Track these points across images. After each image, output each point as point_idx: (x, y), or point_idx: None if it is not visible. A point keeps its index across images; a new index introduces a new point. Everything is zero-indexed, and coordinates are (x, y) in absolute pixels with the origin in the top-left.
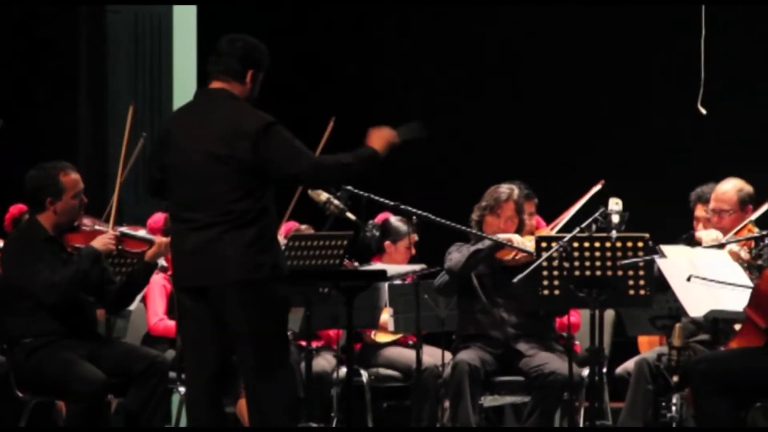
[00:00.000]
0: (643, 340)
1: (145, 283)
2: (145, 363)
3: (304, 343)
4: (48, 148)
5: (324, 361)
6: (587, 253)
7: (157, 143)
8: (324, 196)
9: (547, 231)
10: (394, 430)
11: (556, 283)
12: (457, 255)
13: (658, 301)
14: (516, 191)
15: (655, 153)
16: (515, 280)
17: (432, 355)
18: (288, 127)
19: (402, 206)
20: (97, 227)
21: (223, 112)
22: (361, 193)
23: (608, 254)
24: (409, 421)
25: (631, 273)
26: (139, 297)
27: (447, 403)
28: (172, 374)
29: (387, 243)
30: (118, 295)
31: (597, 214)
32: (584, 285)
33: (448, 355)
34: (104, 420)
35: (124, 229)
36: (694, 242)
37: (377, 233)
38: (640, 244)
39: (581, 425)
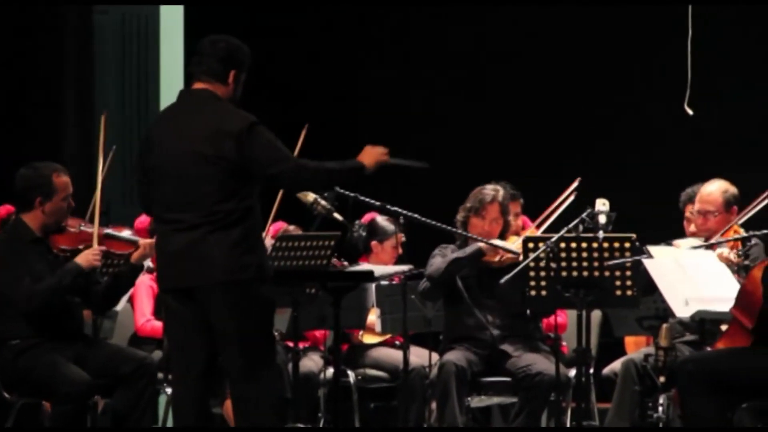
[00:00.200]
0: (629, 341)
1: (131, 285)
2: (133, 364)
3: (291, 344)
4: (34, 148)
5: (311, 362)
6: (574, 254)
7: (140, 148)
8: (311, 196)
9: (533, 231)
10: (381, 430)
11: (543, 283)
12: (438, 260)
13: (645, 301)
14: (501, 192)
15: (643, 153)
16: (502, 281)
17: (419, 356)
18: (273, 128)
19: (389, 206)
20: (83, 228)
21: (206, 113)
22: (348, 193)
23: (595, 255)
24: (396, 422)
25: (618, 273)
26: (125, 297)
27: (434, 404)
28: (159, 375)
29: (374, 243)
30: (103, 296)
31: (584, 215)
32: (571, 285)
33: (435, 356)
34: (87, 421)
35: (110, 231)
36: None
37: (364, 233)
38: (627, 245)
39: (568, 426)
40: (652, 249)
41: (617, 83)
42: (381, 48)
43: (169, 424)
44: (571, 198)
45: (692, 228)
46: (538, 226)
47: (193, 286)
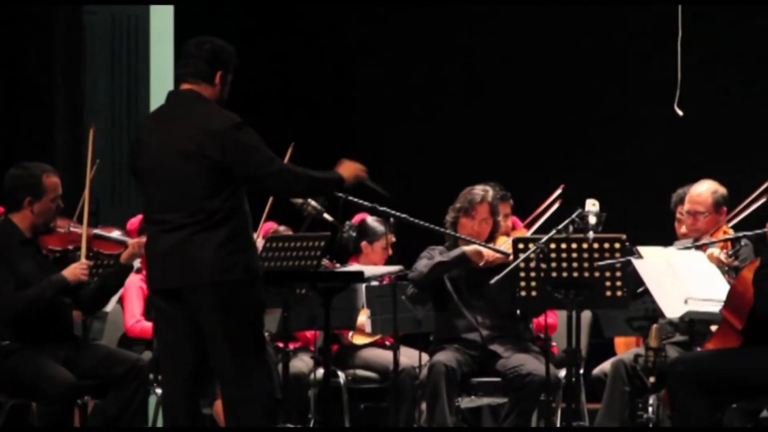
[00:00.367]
0: (619, 342)
1: (120, 286)
2: (125, 366)
3: (281, 345)
4: (23, 149)
5: (301, 363)
6: (564, 254)
7: (130, 151)
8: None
9: (522, 232)
10: (371, 431)
11: (533, 284)
12: (422, 263)
13: (635, 302)
14: (490, 193)
15: (633, 154)
16: (492, 281)
17: (409, 357)
18: (262, 130)
19: (379, 207)
20: (72, 229)
21: (192, 113)
22: (338, 194)
23: (585, 255)
24: (386, 423)
25: (608, 274)
26: (115, 298)
27: (424, 405)
28: (149, 376)
29: (363, 243)
30: (93, 297)
31: (574, 215)
32: (561, 286)
33: (425, 357)
34: (74, 422)
35: (99, 231)
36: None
37: (354, 234)
38: (617, 245)
39: (558, 426)
40: (642, 249)
41: (607, 84)
42: (373, 49)
43: (159, 424)
44: (556, 205)
45: (683, 229)
46: (528, 227)
47: (180, 286)
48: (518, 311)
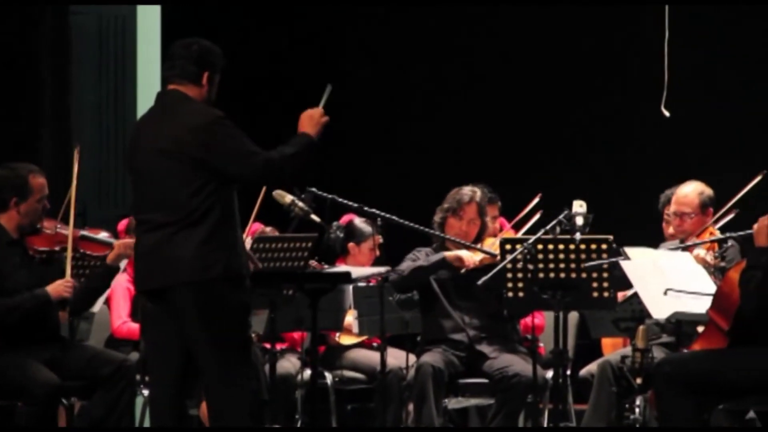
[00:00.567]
0: (606, 342)
1: (106, 287)
2: (112, 367)
3: (268, 346)
4: (9, 150)
5: (288, 364)
6: (551, 255)
7: (126, 154)
8: (288, 198)
9: (510, 233)
10: (358, 431)
11: (520, 285)
12: (403, 266)
13: (622, 303)
14: (478, 193)
15: (620, 155)
16: (479, 282)
17: (396, 357)
18: (249, 126)
19: (366, 208)
20: (59, 230)
21: (175, 112)
22: (326, 195)
23: (572, 256)
24: (373, 423)
25: (595, 275)
26: (102, 299)
27: (411, 406)
28: (136, 376)
29: (351, 244)
30: (79, 298)
31: (561, 217)
32: (548, 287)
33: (412, 358)
34: (57, 423)
35: (85, 233)
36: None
37: (341, 235)
38: (604, 246)
39: (545, 427)
40: (629, 250)
41: (594, 85)
42: (365, 48)
43: (146, 425)
44: (537, 216)
45: (670, 230)
46: (515, 229)
47: (162, 286)
48: (505, 312)
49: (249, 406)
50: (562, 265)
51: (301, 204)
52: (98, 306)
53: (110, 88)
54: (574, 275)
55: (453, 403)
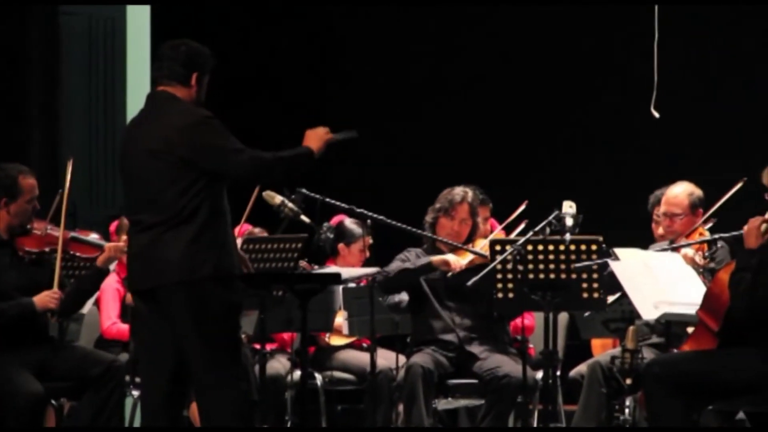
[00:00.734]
0: (596, 343)
1: (96, 289)
2: (102, 367)
3: (258, 346)
4: None
5: (278, 364)
6: (541, 256)
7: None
8: (278, 199)
9: (500, 234)
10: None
11: (510, 285)
12: (392, 267)
13: (612, 304)
14: (470, 194)
15: (609, 156)
16: (469, 283)
17: (386, 358)
18: (237, 126)
19: (356, 209)
20: (49, 231)
21: (163, 113)
22: (316, 196)
23: (562, 257)
24: (363, 424)
25: (584, 276)
26: (92, 300)
27: (401, 406)
28: (126, 377)
29: (341, 245)
30: (68, 300)
31: (551, 217)
32: (538, 288)
33: (402, 359)
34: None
35: (75, 234)
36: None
37: (331, 236)
38: (594, 247)
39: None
40: (619, 251)
41: (583, 86)
42: (354, 50)
43: (136, 425)
44: (522, 225)
45: (660, 230)
46: (506, 232)
47: (152, 287)
48: (495, 313)
49: (239, 406)
50: (551, 266)
51: (291, 205)
52: (88, 307)
53: (100, 89)
54: (563, 276)
55: (443, 403)
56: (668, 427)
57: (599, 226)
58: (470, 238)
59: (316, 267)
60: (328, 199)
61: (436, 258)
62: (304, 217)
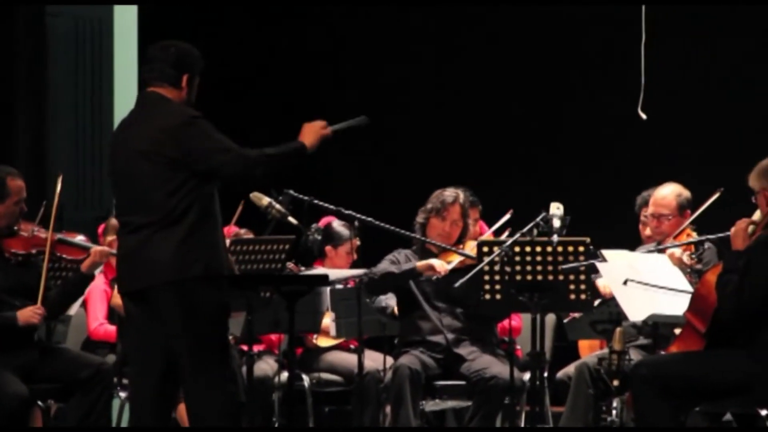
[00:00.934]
0: (583, 345)
1: (81, 293)
2: (90, 370)
3: (245, 348)
4: None
5: (265, 366)
6: (528, 258)
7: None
8: (266, 200)
9: (490, 237)
10: None
11: (497, 287)
12: (380, 267)
13: (599, 306)
14: (462, 195)
15: (597, 158)
16: (457, 284)
17: (374, 360)
18: (229, 127)
19: (344, 210)
20: (36, 233)
21: (152, 114)
22: (303, 197)
23: (549, 259)
24: (350, 426)
25: (572, 277)
26: (79, 302)
27: (388, 408)
28: (113, 379)
29: (328, 248)
30: (55, 302)
31: (538, 219)
32: (525, 289)
33: (390, 360)
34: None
35: (62, 236)
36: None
37: (319, 237)
38: (581, 249)
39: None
40: (606, 253)
41: (571, 87)
42: (341, 51)
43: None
44: (507, 232)
45: (647, 231)
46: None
47: (142, 287)
48: (483, 314)
49: (228, 406)
50: (539, 268)
51: (278, 206)
52: (75, 308)
53: (87, 90)
54: (551, 277)
55: (430, 405)
56: (655, 428)
57: (587, 228)
58: (460, 240)
59: (302, 268)
60: (315, 201)
61: (420, 263)
62: (291, 219)
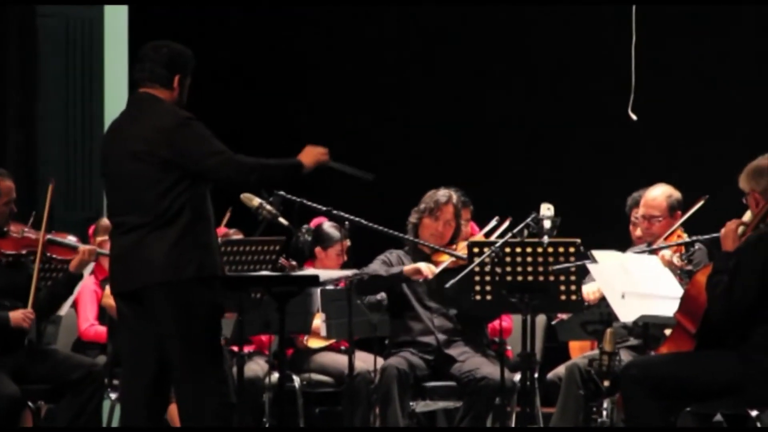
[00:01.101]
0: (574, 346)
1: (70, 293)
2: (82, 372)
3: (236, 349)
4: None
5: (256, 367)
6: (519, 259)
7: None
8: (256, 201)
9: (481, 238)
10: None
11: (488, 288)
12: (371, 267)
13: (590, 306)
14: (455, 196)
15: (587, 159)
16: (448, 285)
17: (364, 361)
18: (215, 126)
19: (334, 211)
20: (26, 234)
21: (145, 114)
22: (294, 198)
23: (540, 259)
24: (341, 426)
25: (562, 278)
26: (69, 302)
27: (378, 409)
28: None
29: (317, 249)
30: (43, 303)
31: (529, 220)
32: (516, 290)
33: (380, 361)
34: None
35: (52, 236)
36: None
37: (309, 238)
38: (572, 250)
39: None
40: (597, 254)
41: (561, 88)
42: (331, 50)
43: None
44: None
45: (638, 232)
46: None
47: (136, 288)
48: (474, 315)
49: (221, 407)
50: (529, 269)
51: (269, 207)
52: (65, 309)
53: (77, 90)
54: (541, 278)
55: (421, 406)
56: (646, 429)
57: (577, 229)
58: (453, 240)
59: (294, 263)
60: (306, 202)
61: (407, 267)
62: (282, 220)
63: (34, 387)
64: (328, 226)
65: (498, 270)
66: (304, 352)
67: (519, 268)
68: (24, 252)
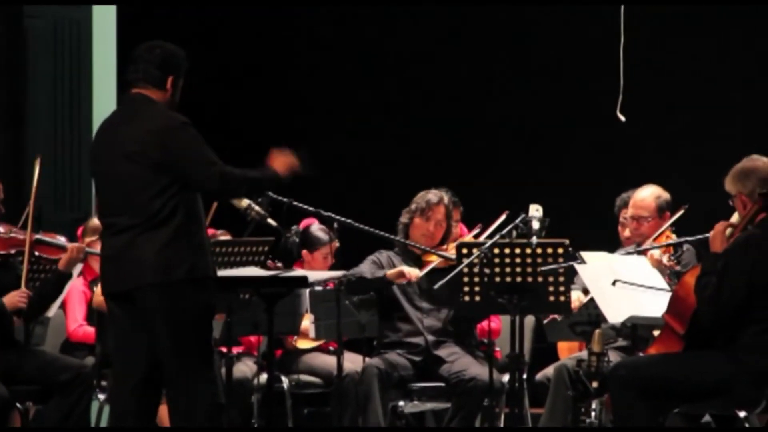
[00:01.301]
0: (562, 346)
1: (59, 293)
2: (71, 373)
3: (224, 350)
4: None
5: (245, 367)
6: (508, 259)
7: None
8: (245, 202)
9: (470, 239)
10: None
11: (476, 289)
12: (360, 268)
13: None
14: (446, 197)
15: (576, 159)
16: (436, 286)
17: (353, 362)
18: (205, 126)
19: (323, 212)
20: (12, 234)
21: (138, 116)
22: (283, 198)
23: (528, 260)
24: (329, 427)
25: (551, 279)
26: (58, 303)
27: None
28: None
29: (304, 252)
30: (32, 304)
31: (517, 221)
32: (505, 291)
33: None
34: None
35: (41, 236)
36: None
37: (298, 239)
38: (560, 251)
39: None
40: (586, 255)
41: (549, 89)
42: (322, 51)
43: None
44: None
45: (627, 233)
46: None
47: (127, 289)
48: (462, 316)
49: (212, 407)
50: (518, 269)
51: (257, 208)
52: (54, 310)
53: (66, 91)
54: (530, 279)
55: (409, 406)
56: (634, 430)
57: (566, 230)
58: (444, 241)
59: (279, 264)
60: (295, 203)
61: (390, 271)
62: (270, 221)
63: (23, 388)
64: (316, 229)
65: (486, 271)
66: (292, 353)
67: (507, 269)
68: (12, 252)
